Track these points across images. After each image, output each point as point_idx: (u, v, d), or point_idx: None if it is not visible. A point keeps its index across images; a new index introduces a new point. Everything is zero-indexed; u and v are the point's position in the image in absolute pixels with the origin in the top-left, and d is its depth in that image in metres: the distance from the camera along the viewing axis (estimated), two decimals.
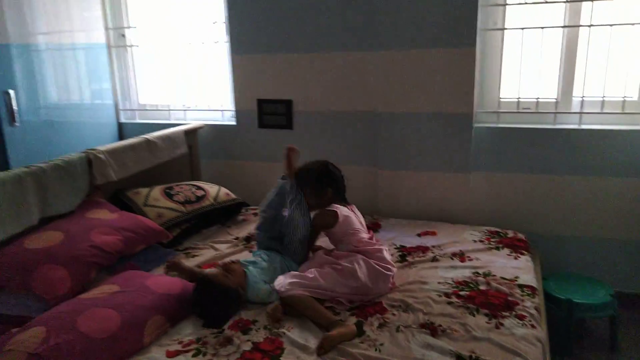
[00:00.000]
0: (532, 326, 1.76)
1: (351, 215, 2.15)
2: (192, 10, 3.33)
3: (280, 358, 1.62)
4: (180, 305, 1.88)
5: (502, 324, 1.76)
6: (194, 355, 1.64)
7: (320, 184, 2.17)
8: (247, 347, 1.68)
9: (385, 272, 2.01)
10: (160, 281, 1.98)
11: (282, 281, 1.94)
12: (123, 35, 3.53)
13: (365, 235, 2.14)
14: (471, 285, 2.04)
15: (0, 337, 1.66)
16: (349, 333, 1.72)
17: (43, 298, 1.88)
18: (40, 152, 2.86)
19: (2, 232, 2.01)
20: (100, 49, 3.44)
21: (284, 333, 1.74)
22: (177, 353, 1.66)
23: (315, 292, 1.90)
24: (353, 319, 1.83)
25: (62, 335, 1.58)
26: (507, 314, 1.82)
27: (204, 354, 1.65)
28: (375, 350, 1.64)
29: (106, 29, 3.48)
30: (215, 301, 1.85)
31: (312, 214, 2.18)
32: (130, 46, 3.52)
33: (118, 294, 1.83)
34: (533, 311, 1.85)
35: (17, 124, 2.80)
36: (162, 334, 1.77)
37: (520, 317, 1.80)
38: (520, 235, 2.57)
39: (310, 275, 1.95)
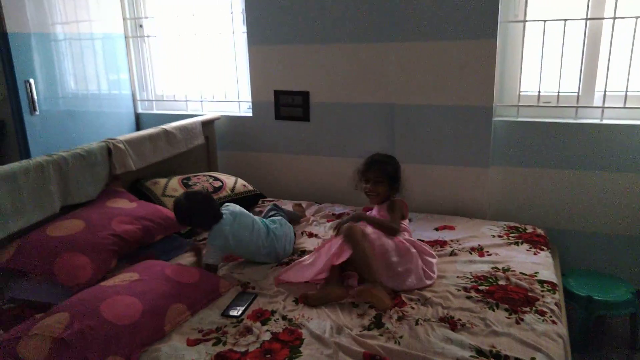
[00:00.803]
0: (553, 322, 1.74)
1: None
2: (209, 0, 3.32)
3: (300, 348, 1.62)
4: (200, 294, 1.90)
5: (522, 319, 1.75)
6: (214, 344, 1.66)
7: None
8: (266, 337, 1.69)
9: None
10: (180, 270, 2.00)
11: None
12: (141, 26, 3.55)
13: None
14: (490, 280, 2.02)
15: (24, 322, 1.69)
16: (385, 301, 1.84)
17: (65, 285, 1.90)
18: (59, 141, 2.90)
19: (25, 219, 2.03)
20: (118, 39, 3.46)
21: (303, 325, 1.75)
22: (198, 342, 1.67)
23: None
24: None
25: (85, 321, 1.60)
26: (527, 309, 1.81)
27: (224, 343, 1.66)
28: (395, 342, 1.64)
29: (124, 19, 3.49)
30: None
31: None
32: (148, 37, 3.54)
33: (138, 282, 1.84)
34: (554, 307, 1.84)
35: (37, 112, 2.83)
36: (183, 322, 1.78)
37: (541, 313, 1.78)
38: (540, 231, 2.55)
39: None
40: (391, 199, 2.23)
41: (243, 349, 1.63)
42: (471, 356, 1.55)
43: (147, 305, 1.72)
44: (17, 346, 1.60)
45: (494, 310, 1.80)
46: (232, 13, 3.27)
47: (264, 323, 1.78)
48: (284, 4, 3.00)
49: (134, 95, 3.60)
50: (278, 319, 1.80)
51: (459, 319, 1.75)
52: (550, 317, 1.77)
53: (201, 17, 3.36)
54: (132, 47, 3.56)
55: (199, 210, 2.11)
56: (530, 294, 1.91)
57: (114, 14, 3.42)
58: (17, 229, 2.02)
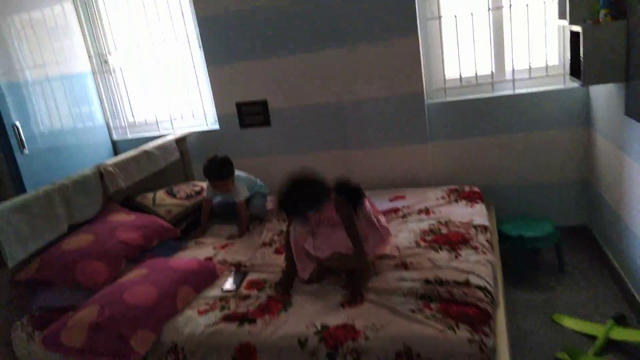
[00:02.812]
0: (484, 253, 2.22)
1: None
2: (166, 30, 3.70)
3: (291, 301, 2.04)
4: (201, 277, 2.30)
5: (460, 255, 2.22)
6: (220, 310, 2.06)
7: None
8: (262, 300, 2.10)
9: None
10: (179, 262, 2.39)
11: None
12: (106, 61, 3.89)
13: None
14: (434, 231, 2.49)
15: (61, 318, 2.06)
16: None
17: (87, 287, 2.27)
18: (48, 174, 3.21)
19: (42, 239, 2.38)
20: (87, 75, 3.79)
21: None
22: (207, 311, 2.08)
23: None
24: None
25: (113, 307, 1.98)
26: (463, 247, 2.28)
27: (229, 308, 2.07)
28: (364, 286, 2.09)
29: (89, 56, 3.83)
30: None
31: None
32: (114, 70, 3.88)
33: (149, 274, 2.23)
34: (485, 243, 2.32)
35: (26, 151, 3.15)
36: (192, 300, 2.18)
37: (474, 248, 2.26)
38: (475, 188, 3.04)
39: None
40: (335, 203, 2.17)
41: (244, 310, 2.04)
42: (420, 285, 2.00)
43: (160, 290, 2.11)
44: (59, 337, 1.98)
45: (437, 252, 2.27)
46: (188, 39, 3.66)
47: (259, 290, 2.19)
48: (233, 27, 3.40)
49: (108, 125, 3.94)
50: (271, 286, 2.22)
51: (411, 262, 2.21)
52: (482, 250, 2.25)
53: (161, 46, 3.73)
54: (100, 81, 3.90)
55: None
56: (466, 236, 2.39)
57: (79, 53, 3.76)
58: (35, 250, 2.37)
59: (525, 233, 2.87)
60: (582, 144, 3.13)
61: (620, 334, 2.28)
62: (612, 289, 2.70)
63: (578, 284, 2.80)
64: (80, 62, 3.75)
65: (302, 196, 2.10)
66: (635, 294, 2.47)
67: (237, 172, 3.04)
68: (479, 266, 2.11)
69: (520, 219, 3.09)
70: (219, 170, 2.89)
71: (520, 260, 2.89)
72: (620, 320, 2.39)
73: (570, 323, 2.46)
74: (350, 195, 2.21)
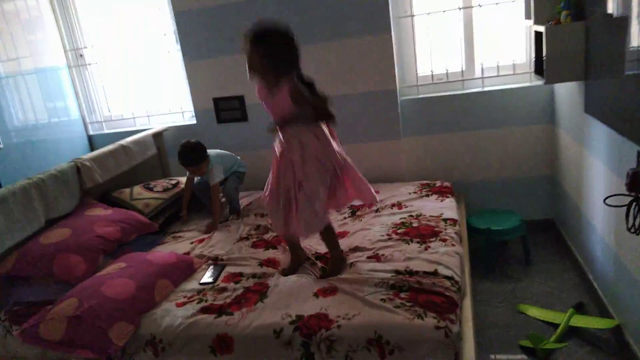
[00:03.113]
0: (452, 245, 2.32)
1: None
2: (142, 24, 3.71)
3: (267, 293, 2.11)
4: (179, 271, 2.34)
5: (429, 247, 2.31)
6: (197, 303, 2.12)
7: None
8: (239, 292, 2.17)
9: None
10: (157, 255, 2.44)
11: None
12: (81, 55, 3.87)
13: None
14: (406, 224, 2.59)
15: (39, 312, 2.08)
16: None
17: (64, 281, 2.29)
18: (24, 169, 3.22)
19: (19, 234, 2.40)
20: (61, 69, 3.77)
21: (269, 275, 2.24)
22: (184, 303, 2.13)
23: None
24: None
25: (92, 300, 2.02)
26: (433, 239, 2.38)
27: (206, 301, 2.12)
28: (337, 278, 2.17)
29: (65, 50, 3.81)
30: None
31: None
32: (89, 64, 3.87)
33: (127, 267, 2.27)
34: (454, 235, 2.42)
35: (1, 146, 3.14)
36: (169, 293, 2.23)
37: (444, 240, 2.36)
38: (446, 183, 3.15)
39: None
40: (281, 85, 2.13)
41: (222, 302, 2.10)
42: (391, 275, 2.09)
43: (138, 283, 2.16)
44: (38, 330, 2.01)
45: (408, 244, 2.36)
46: (165, 35, 3.67)
47: (236, 283, 2.25)
48: (211, 20, 3.42)
49: (84, 119, 3.93)
50: (248, 277, 2.28)
51: (383, 254, 2.30)
52: (451, 242, 2.35)
53: (137, 41, 3.73)
54: (75, 75, 3.88)
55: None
56: (436, 229, 2.49)
57: (54, 46, 3.73)
58: (13, 244, 2.38)
59: (493, 226, 2.99)
60: (547, 140, 3.27)
61: (579, 321, 2.42)
62: (574, 279, 2.84)
63: (543, 275, 2.94)
64: (54, 56, 3.73)
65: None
66: (595, 283, 2.61)
67: (215, 152, 3.14)
68: (447, 257, 2.21)
69: (489, 212, 3.21)
70: (190, 155, 2.98)
71: (489, 252, 3.01)
72: (580, 308, 2.53)
73: (534, 312, 2.59)
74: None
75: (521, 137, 3.29)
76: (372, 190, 2.31)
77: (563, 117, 3.00)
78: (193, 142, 3.01)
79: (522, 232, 3.02)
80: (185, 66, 3.59)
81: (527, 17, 2.78)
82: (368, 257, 2.30)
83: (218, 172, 3.05)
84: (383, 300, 1.94)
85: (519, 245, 3.15)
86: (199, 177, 3.18)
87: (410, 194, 3.04)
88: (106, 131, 3.98)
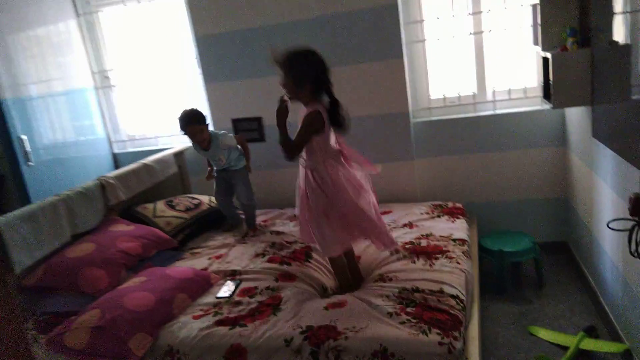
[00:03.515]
0: (458, 263, 2.38)
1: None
2: (165, 48, 3.88)
3: (280, 306, 2.20)
4: (197, 285, 2.44)
5: (433, 264, 2.38)
6: (214, 315, 2.21)
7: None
8: (254, 305, 2.25)
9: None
10: (176, 270, 2.54)
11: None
12: (107, 77, 4.06)
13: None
14: (414, 243, 2.65)
15: (64, 322, 2.20)
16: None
17: (89, 293, 2.41)
18: (52, 186, 3.37)
19: (47, 247, 2.54)
20: (88, 91, 3.96)
21: (282, 288, 2.34)
22: (201, 316, 2.22)
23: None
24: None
25: (114, 312, 2.13)
26: (439, 256, 2.44)
27: (221, 314, 2.22)
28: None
29: (92, 73, 4.00)
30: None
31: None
32: (114, 86, 4.05)
33: (147, 281, 2.38)
34: (460, 254, 2.48)
35: (31, 163, 3.31)
36: (187, 306, 2.32)
37: (450, 258, 2.42)
38: (458, 205, 3.21)
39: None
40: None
41: (236, 314, 2.19)
42: (398, 293, 2.16)
43: (158, 296, 2.26)
44: (63, 339, 2.12)
45: (414, 263, 2.43)
46: (186, 58, 3.84)
47: (251, 297, 2.34)
48: (231, 44, 3.57)
49: (109, 138, 4.11)
50: (262, 291, 2.37)
51: (388, 275, 2.36)
52: (457, 260, 2.41)
53: (160, 63, 3.90)
54: (102, 96, 4.07)
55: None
56: (444, 248, 2.55)
57: (82, 69, 3.92)
58: (41, 257, 2.52)
59: (505, 247, 3.02)
60: (559, 163, 3.31)
61: (590, 344, 2.43)
62: (586, 302, 2.86)
63: (555, 297, 2.96)
64: (82, 78, 3.92)
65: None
66: (606, 306, 2.62)
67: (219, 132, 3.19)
68: (452, 276, 2.27)
69: (501, 233, 3.25)
70: (190, 114, 3.02)
71: (501, 273, 3.04)
72: (591, 332, 2.55)
73: (544, 334, 2.61)
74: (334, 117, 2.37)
75: (533, 159, 3.34)
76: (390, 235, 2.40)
77: (574, 140, 3.05)
78: (192, 108, 3.08)
79: (534, 254, 3.05)
80: (206, 88, 3.75)
81: (535, 43, 2.86)
82: (374, 279, 2.37)
83: (224, 136, 3.11)
84: (389, 314, 2.01)
85: (531, 267, 3.18)
86: (214, 168, 3.26)
87: (422, 214, 3.10)
88: (130, 150, 4.14)
